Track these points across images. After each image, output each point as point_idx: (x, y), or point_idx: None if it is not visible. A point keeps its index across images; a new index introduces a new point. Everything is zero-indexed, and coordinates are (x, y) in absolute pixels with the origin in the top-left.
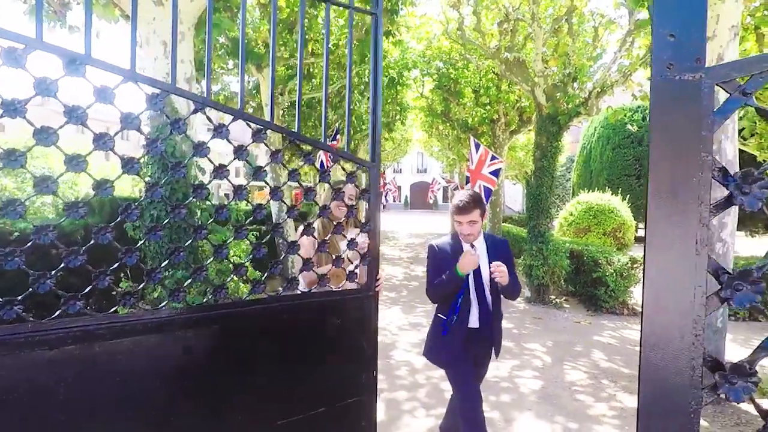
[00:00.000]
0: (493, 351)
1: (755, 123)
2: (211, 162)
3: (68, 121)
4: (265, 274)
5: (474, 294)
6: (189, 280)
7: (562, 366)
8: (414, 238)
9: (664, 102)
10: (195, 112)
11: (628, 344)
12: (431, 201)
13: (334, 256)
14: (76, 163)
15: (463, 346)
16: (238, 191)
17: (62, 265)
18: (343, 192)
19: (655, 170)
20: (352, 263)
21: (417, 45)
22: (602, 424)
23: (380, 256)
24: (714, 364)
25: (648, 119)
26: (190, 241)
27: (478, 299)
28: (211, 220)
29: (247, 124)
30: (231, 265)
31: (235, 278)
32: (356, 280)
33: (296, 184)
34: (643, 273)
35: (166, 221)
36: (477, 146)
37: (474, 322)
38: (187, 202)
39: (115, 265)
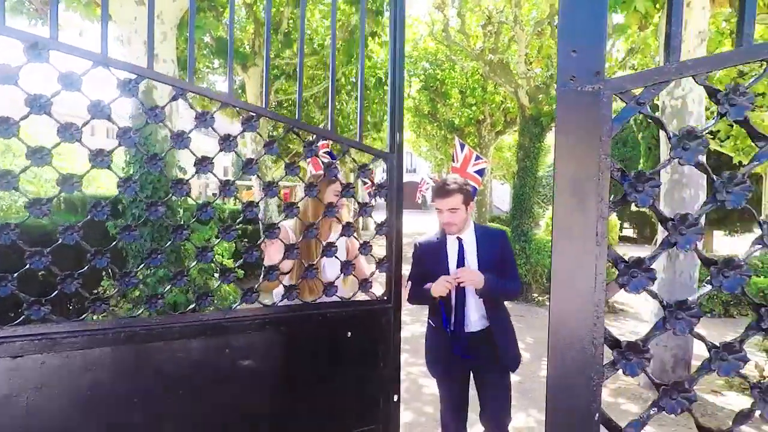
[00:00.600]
0: (507, 362)
1: (731, 126)
2: (193, 153)
3: (31, 111)
4: (260, 281)
5: (453, 296)
6: (168, 286)
7: (540, 362)
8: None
9: (568, 110)
10: (175, 98)
11: None
12: (419, 201)
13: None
14: (39, 156)
15: (450, 355)
16: (225, 187)
17: (26, 266)
18: (336, 168)
19: (560, 171)
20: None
21: None
22: None
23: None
24: (613, 343)
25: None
26: (169, 243)
27: (457, 301)
28: (194, 219)
29: (237, 112)
30: (213, 265)
31: (218, 280)
32: (370, 290)
33: (285, 183)
34: (551, 262)
35: (142, 220)
36: (462, 146)
37: (456, 325)
38: (165, 199)
39: (85, 268)
